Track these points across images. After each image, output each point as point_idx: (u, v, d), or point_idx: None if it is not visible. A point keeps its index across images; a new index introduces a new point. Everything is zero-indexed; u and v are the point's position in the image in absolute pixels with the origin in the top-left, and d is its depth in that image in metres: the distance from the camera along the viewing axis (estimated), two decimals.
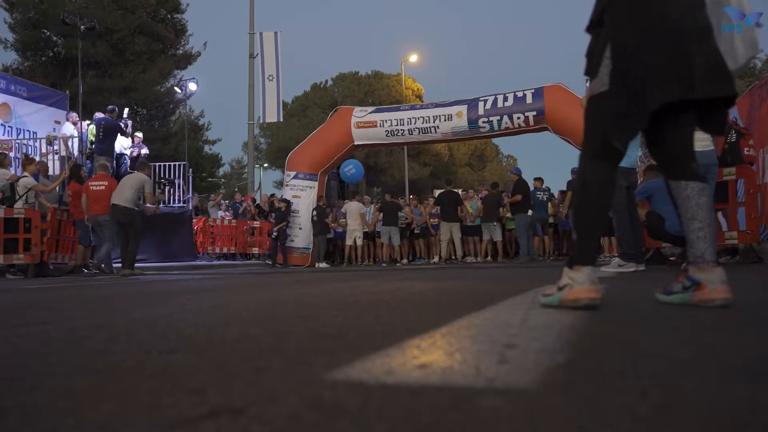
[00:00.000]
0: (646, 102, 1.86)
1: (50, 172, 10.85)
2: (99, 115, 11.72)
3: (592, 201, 2.04)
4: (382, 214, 13.14)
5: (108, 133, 11.31)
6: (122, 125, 11.81)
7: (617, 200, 5.58)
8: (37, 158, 11.47)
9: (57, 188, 9.70)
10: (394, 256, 13.22)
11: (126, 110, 12.92)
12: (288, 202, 12.93)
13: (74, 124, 12.24)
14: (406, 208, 13.83)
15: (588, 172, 2.05)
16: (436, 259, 12.85)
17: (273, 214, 13.15)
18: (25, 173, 8.90)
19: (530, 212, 10.93)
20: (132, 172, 12.94)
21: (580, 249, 2.03)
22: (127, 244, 8.44)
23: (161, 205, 13.37)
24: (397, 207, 13.37)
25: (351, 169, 14.73)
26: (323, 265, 12.61)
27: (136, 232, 8.46)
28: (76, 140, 12.05)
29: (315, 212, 12.73)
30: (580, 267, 1.98)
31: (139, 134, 13.45)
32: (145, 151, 13.15)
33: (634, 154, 5.71)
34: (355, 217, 13.18)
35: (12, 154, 11.77)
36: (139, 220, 8.64)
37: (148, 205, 9.21)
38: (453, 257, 13.22)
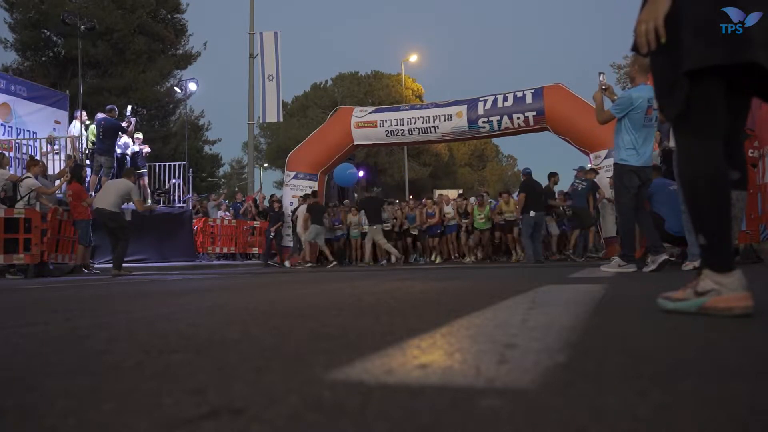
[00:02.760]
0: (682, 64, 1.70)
1: (50, 172, 10.86)
2: (100, 115, 11.75)
3: (709, 195, 1.77)
4: (363, 211, 12.81)
5: (108, 132, 11.32)
6: (124, 124, 11.81)
7: (624, 201, 5.45)
8: (37, 158, 11.50)
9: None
10: (383, 256, 13.03)
11: (129, 107, 12.89)
12: (281, 202, 12.92)
13: (83, 123, 12.29)
14: (389, 210, 13.61)
15: (694, 161, 1.79)
16: (438, 259, 12.82)
17: (269, 214, 13.12)
18: (29, 174, 8.90)
19: (532, 213, 10.62)
20: (141, 171, 12.97)
21: (719, 252, 1.78)
22: (116, 247, 8.40)
23: (161, 204, 13.37)
24: (380, 203, 13.04)
25: (350, 171, 14.86)
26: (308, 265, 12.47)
27: (125, 235, 8.44)
28: (84, 139, 12.08)
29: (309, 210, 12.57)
30: (728, 271, 1.75)
31: (140, 135, 13.45)
32: (147, 150, 13.14)
33: (648, 150, 5.47)
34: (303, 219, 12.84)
35: (12, 154, 11.78)
36: (126, 223, 8.62)
37: (145, 204, 9.19)
38: (453, 256, 13.09)
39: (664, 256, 5.28)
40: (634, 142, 5.36)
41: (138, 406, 0.84)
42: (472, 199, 13.49)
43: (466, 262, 12.70)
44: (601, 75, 6.02)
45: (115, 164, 12.03)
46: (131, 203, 9.00)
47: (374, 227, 12.32)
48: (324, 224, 12.52)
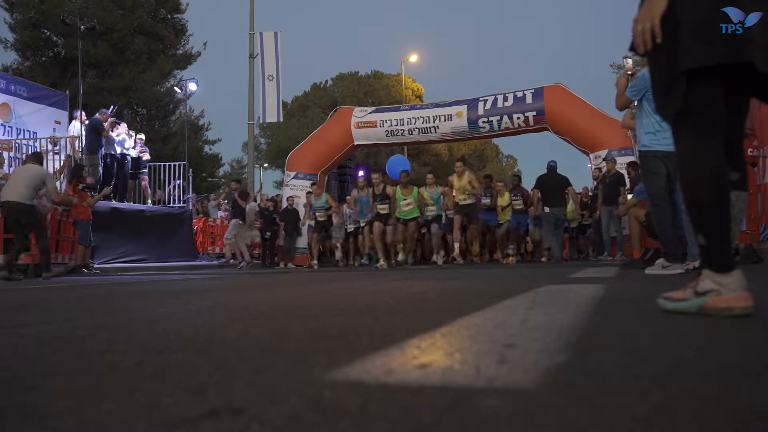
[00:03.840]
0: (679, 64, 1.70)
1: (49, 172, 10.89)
2: (97, 115, 11.84)
3: (709, 195, 1.77)
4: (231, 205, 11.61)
5: (89, 131, 11.52)
6: (103, 124, 11.80)
7: (656, 190, 4.93)
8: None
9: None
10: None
11: (111, 108, 12.82)
12: (275, 202, 12.87)
13: (82, 123, 12.32)
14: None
15: (693, 162, 1.79)
16: (401, 256, 10.46)
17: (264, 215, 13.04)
18: None
19: (547, 209, 10.09)
20: (136, 173, 12.91)
21: (719, 252, 1.79)
22: (23, 246, 7.61)
23: (160, 205, 13.35)
24: (246, 194, 11.96)
25: (401, 167, 15.08)
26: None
27: (41, 231, 7.64)
28: (83, 139, 12.12)
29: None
30: (728, 272, 1.75)
31: (142, 135, 13.43)
32: (147, 157, 13.10)
33: None
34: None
35: (12, 154, 11.79)
36: (40, 217, 7.84)
37: (84, 199, 8.60)
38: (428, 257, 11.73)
39: (678, 270, 4.72)
40: (654, 126, 4.90)
41: (138, 406, 0.84)
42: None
43: (377, 265, 10.05)
44: (628, 60, 5.68)
45: (116, 164, 12.05)
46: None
47: (237, 222, 11.62)
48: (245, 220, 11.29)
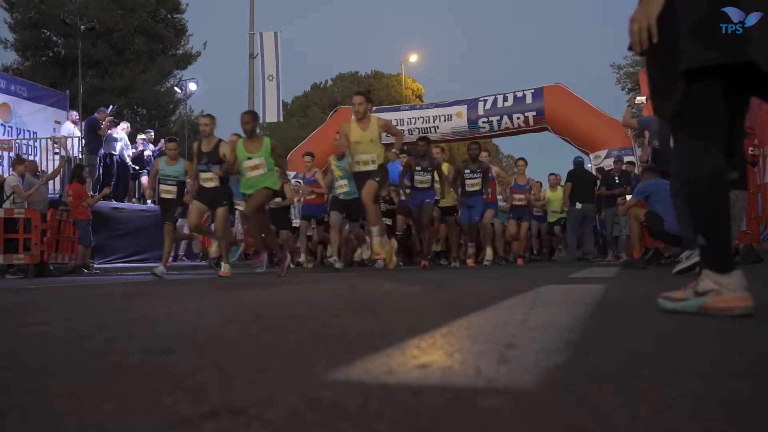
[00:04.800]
0: (678, 64, 1.71)
1: (49, 172, 10.89)
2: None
3: (709, 196, 1.77)
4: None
5: (87, 130, 11.55)
6: (99, 123, 11.78)
7: (677, 186, 4.93)
8: (37, 158, 11.54)
9: (47, 187, 9.67)
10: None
11: (111, 107, 12.79)
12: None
13: (74, 123, 12.29)
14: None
15: (693, 162, 1.79)
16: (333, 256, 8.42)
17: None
18: (13, 173, 8.92)
19: (578, 204, 9.76)
20: (136, 173, 12.87)
21: (719, 252, 1.79)
22: None
23: (150, 202, 13.28)
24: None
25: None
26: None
27: None
28: (75, 140, 12.09)
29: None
30: (728, 272, 1.75)
31: (143, 135, 13.39)
32: (148, 153, 13.07)
33: None
34: None
35: (12, 154, 11.80)
36: None
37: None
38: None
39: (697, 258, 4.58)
40: None
41: (138, 406, 0.84)
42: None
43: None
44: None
45: (115, 164, 12.04)
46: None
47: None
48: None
